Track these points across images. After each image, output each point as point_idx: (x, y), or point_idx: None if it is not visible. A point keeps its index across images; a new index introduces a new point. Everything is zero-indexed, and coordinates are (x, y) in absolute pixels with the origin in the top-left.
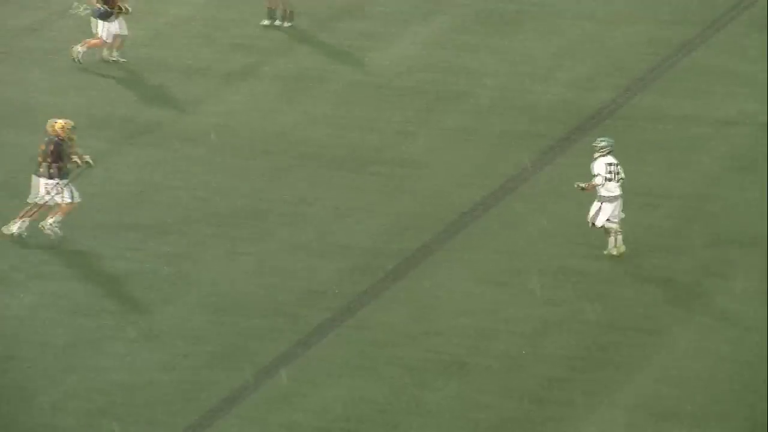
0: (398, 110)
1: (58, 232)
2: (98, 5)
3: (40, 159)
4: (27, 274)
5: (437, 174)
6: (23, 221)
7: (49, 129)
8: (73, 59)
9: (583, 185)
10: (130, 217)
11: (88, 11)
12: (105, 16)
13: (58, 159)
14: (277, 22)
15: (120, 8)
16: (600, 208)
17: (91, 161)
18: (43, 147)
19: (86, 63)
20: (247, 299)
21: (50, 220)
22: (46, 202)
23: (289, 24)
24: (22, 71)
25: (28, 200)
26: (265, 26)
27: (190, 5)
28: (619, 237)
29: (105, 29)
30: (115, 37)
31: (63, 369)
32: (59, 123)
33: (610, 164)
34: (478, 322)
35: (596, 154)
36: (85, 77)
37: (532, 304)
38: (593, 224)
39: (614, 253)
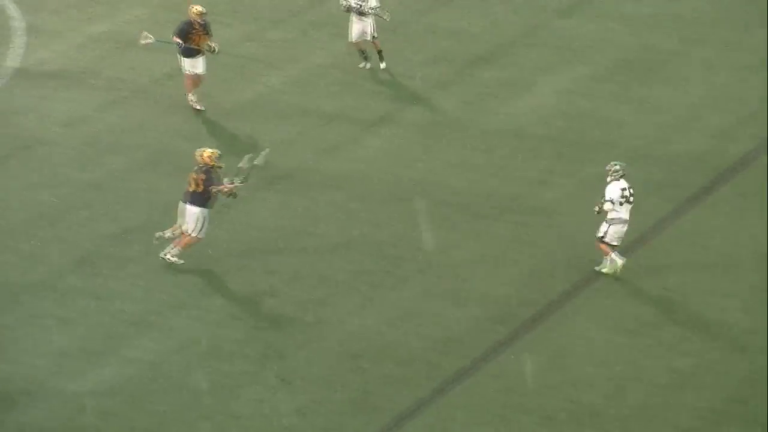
0: (535, 158)
1: (178, 261)
2: (178, 41)
3: (190, 188)
4: (164, 317)
5: (573, 223)
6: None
7: (198, 158)
8: (196, 110)
9: (597, 209)
10: (268, 262)
11: (150, 41)
12: (188, 53)
13: (207, 187)
14: (366, 65)
15: (209, 47)
16: (608, 229)
17: (240, 182)
18: (194, 176)
19: (225, 109)
20: (382, 346)
21: (173, 250)
22: (190, 230)
23: (368, 66)
24: (161, 117)
25: (178, 224)
26: (366, 68)
27: (330, 53)
28: (620, 261)
29: (190, 66)
30: (198, 77)
31: (198, 414)
32: (207, 152)
33: (624, 189)
34: (613, 372)
35: (609, 178)
36: (224, 123)
37: (667, 354)
38: (602, 240)
39: (605, 271)
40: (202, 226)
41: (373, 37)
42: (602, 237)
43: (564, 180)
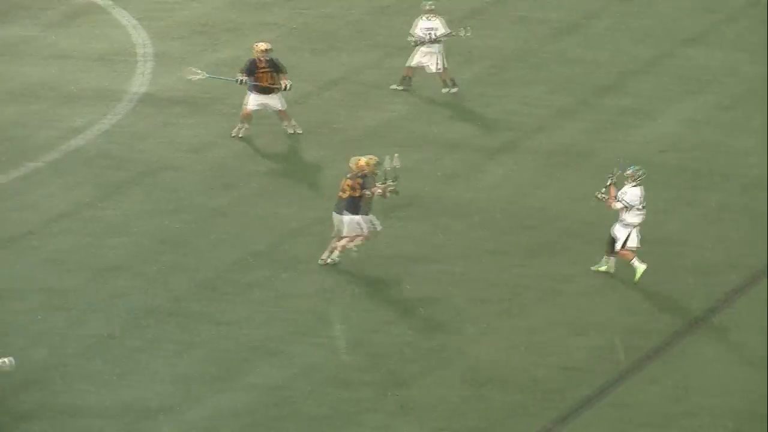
0: (661, 188)
1: (355, 254)
2: (240, 77)
3: (345, 194)
4: (285, 344)
5: (698, 253)
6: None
7: (353, 166)
8: (233, 136)
9: (611, 202)
10: (388, 290)
11: (199, 76)
12: (258, 90)
13: (364, 190)
14: (444, 90)
15: (282, 84)
16: (630, 233)
17: (392, 182)
18: (349, 182)
19: (348, 136)
20: (504, 374)
21: (353, 244)
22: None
23: (455, 90)
24: (285, 143)
25: (332, 235)
26: (397, 90)
27: None
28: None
29: (253, 102)
30: (279, 112)
31: None
32: (363, 159)
33: (642, 195)
34: (737, 404)
35: (633, 182)
36: (347, 149)
37: None
38: (619, 250)
39: (602, 269)
40: (365, 227)
41: (444, 67)
42: (624, 243)
43: (687, 209)
